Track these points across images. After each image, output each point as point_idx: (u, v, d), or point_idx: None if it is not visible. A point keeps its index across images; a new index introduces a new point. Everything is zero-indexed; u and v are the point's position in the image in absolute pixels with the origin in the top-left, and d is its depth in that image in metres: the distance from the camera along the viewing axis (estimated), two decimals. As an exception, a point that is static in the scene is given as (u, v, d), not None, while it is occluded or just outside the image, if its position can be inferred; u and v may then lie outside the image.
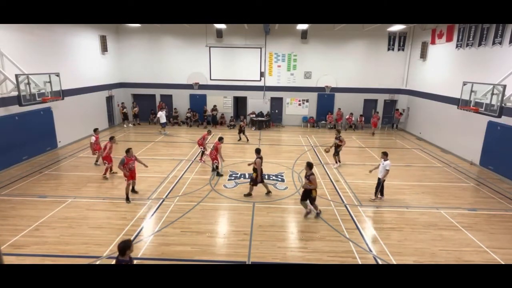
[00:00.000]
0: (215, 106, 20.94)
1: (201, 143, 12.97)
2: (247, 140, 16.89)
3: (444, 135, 15.92)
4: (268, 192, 9.97)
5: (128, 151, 9.19)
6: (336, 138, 12.79)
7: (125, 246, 4.63)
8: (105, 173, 11.09)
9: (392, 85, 20.68)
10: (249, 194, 9.75)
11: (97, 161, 12.34)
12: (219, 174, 11.59)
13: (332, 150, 13.00)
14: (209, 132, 13.51)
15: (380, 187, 9.63)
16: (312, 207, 8.51)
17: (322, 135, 19.00)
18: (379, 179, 9.59)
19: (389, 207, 9.29)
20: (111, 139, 11.16)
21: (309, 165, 8.33)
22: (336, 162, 12.98)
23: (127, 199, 9.23)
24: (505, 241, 7.64)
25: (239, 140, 16.92)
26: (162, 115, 18.36)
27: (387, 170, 9.34)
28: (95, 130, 12.25)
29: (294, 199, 9.73)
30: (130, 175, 9.21)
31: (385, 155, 9.45)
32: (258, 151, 9.78)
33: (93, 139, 12.01)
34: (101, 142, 12.50)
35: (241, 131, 16.91)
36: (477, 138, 13.17)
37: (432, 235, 7.79)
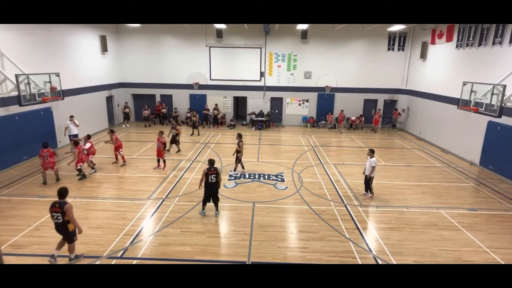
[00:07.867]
0: (216, 105, 20.80)
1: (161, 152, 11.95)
2: (198, 134, 18.12)
3: (444, 135, 15.92)
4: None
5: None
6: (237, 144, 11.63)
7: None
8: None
9: (392, 85, 20.69)
10: None
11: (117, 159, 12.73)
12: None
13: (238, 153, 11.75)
14: (161, 133, 12.02)
15: (369, 184, 9.78)
16: None
17: (322, 135, 18.99)
18: (366, 176, 9.74)
19: (389, 207, 9.29)
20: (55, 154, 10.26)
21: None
22: (235, 170, 11.91)
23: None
24: (505, 241, 7.64)
25: (191, 135, 17.96)
26: (71, 126, 13.95)
27: (373, 167, 9.49)
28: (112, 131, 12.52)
29: (294, 199, 9.73)
30: None
31: (371, 152, 9.61)
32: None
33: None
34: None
35: (194, 126, 18.15)
36: (477, 138, 13.16)
37: (432, 235, 7.79)
